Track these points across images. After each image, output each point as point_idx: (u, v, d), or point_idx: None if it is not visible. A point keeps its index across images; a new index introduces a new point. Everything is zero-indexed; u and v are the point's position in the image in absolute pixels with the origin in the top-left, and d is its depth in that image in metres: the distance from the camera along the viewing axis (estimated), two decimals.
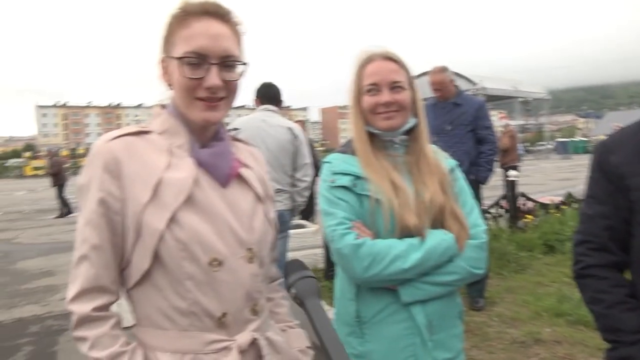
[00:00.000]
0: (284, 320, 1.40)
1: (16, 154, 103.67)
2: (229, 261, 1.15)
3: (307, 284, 1.03)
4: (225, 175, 1.22)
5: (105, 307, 1.12)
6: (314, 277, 1.06)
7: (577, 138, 69.24)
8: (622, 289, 1.37)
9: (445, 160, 1.71)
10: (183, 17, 1.16)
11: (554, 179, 20.77)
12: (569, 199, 8.07)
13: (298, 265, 1.08)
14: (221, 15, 1.18)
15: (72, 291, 1.11)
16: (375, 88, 1.61)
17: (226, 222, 1.16)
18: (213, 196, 1.17)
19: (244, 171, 1.27)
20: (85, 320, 1.09)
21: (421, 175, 1.61)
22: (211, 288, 1.13)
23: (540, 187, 15.22)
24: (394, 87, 1.60)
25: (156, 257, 1.10)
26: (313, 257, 5.88)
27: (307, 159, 3.98)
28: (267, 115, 3.93)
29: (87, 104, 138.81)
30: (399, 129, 1.63)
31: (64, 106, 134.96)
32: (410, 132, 1.66)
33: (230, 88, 1.19)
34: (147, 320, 1.15)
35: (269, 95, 4.07)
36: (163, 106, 1.25)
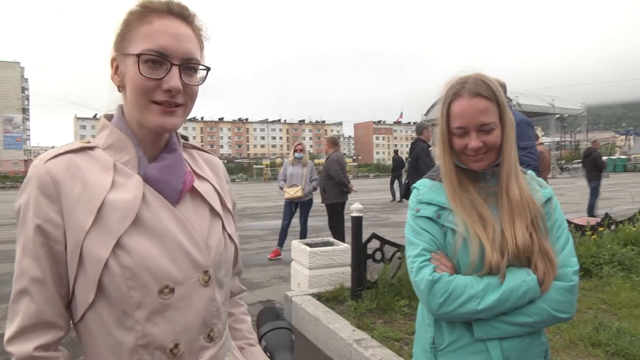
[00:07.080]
0: (244, 337, 1.31)
1: None
2: (183, 287, 1.04)
3: (279, 336, 0.95)
4: (176, 191, 1.10)
5: (50, 345, 1.00)
6: (289, 328, 0.98)
7: (616, 156, 67.28)
8: None
9: (539, 190, 1.61)
10: (143, 14, 1.06)
11: None
12: (607, 220, 7.75)
13: (272, 314, 1.00)
14: (185, 16, 1.09)
15: (10, 330, 0.98)
16: (463, 132, 1.53)
17: (178, 243, 1.05)
18: (163, 216, 1.05)
19: (198, 184, 1.17)
20: None
21: (510, 208, 1.52)
22: (162, 318, 1.02)
23: (576, 207, 14.76)
24: (483, 129, 1.51)
25: (101, 289, 0.99)
26: (341, 275, 5.83)
27: None
28: None
29: None
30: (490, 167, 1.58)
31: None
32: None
33: (189, 94, 1.09)
34: (94, 357, 1.05)
35: None
36: (109, 117, 1.14)
